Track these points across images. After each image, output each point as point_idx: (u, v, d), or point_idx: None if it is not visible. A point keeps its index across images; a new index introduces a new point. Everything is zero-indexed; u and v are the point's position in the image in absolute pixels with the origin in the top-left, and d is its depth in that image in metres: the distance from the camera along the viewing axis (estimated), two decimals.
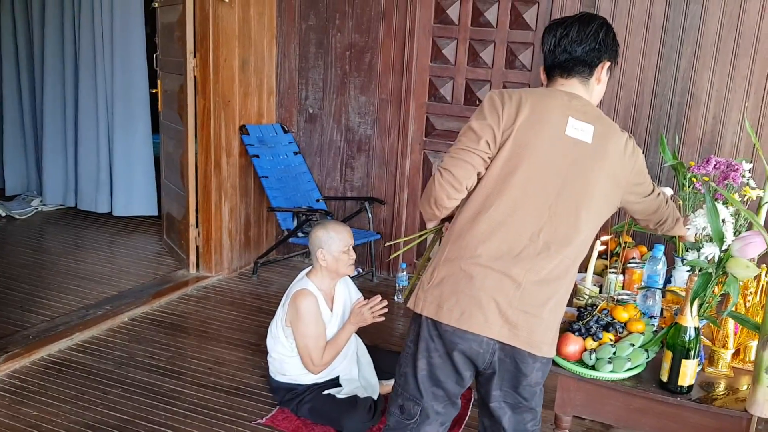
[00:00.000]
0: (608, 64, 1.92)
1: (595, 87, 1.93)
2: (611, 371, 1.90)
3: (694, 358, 1.82)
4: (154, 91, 5.33)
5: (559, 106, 1.83)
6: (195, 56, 4.36)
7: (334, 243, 2.90)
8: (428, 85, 4.61)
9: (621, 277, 2.43)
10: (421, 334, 1.88)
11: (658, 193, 2.04)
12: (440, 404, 1.94)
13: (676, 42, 3.93)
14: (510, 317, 1.77)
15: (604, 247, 2.49)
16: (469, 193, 1.86)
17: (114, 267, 4.77)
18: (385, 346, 3.60)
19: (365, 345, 3.21)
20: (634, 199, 1.96)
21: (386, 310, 2.99)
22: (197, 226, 4.63)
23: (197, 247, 4.67)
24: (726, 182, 2.26)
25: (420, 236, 2.30)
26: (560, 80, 1.92)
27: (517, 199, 1.79)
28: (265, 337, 3.11)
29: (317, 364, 2.92)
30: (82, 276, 4.54)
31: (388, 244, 2.60)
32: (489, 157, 1.82)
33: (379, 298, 2.98)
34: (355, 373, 3.12)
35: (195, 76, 4.39)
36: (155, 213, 5.82)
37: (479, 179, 1.85)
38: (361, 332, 3.16)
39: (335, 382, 3.05)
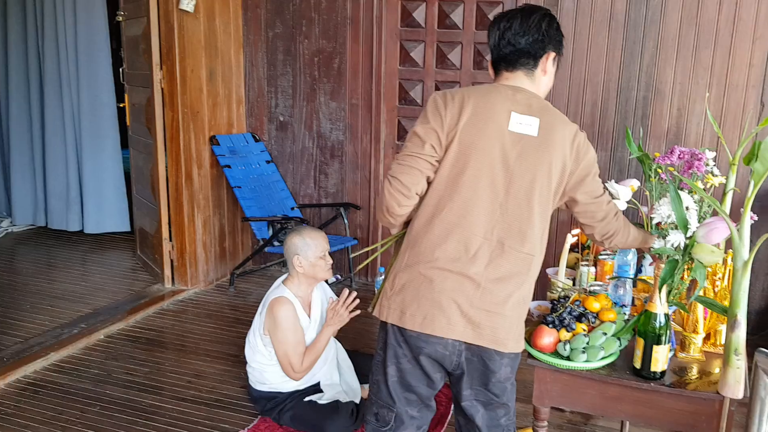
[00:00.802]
0: (553, 54, 1.92)
1: (541, 79, 1.92)
2: (586, 361, 1.92)
3: (665, 344, 1.85)
4: (121, 105, 5.29)
5: (501, 102, 1.82)
6: (161, 68, 4.34)
7: (310, 249, 2.90)
8: (398, 89, 4.63)
9: (593, 269, 2.46)
10: (388, 341, 1.89)
11: (609, 201, 1.99)
12: (414, 409, 1.95)
13: (639, 37, 3.99)
14: (472, 317, 1.78)
15: (574, 241, 2.52)
16: (422, 198, 1.86)
17: (88, 285, 4.72)
18: (365, 350, 3.60)
19: (345, 350, 3.20)
20: (584, 199, 1.91)
21: (358, 301, 2.98)
22: (171, 240, 4.59)
23: (172, 261, 4.63)
24: (690, 171, 2.30)
25: (383, 244, 2.31)
26: (505, 74, 1.91)
27: (468, 200, 1.79)
28: (244, 347, 3.09)
29: (298, 371, 2.91)
30: (56, 295, 4.48)
31: (353, 255, 2.61)
32: (436, 161, 1.83)
33: (347, 292, 2.98)
34: (336, 378, 3.11)
35: (162, 89, 4.37)
36: (128, 228, 5.78)
37: (430, 183, 1.85)
38: (342, 337, 3.16)
39: (316, 388, 3.04)
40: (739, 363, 1.72)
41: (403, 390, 1.92)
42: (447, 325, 1.79)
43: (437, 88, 4.53)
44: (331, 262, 2.98)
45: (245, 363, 3.09)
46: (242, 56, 4.87)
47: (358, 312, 3.00)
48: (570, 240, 2.48)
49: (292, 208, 4.85)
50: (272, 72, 4.86)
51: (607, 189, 2.04)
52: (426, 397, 1.95)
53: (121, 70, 4.99)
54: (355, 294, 2.99)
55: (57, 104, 5.69)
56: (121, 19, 4.79)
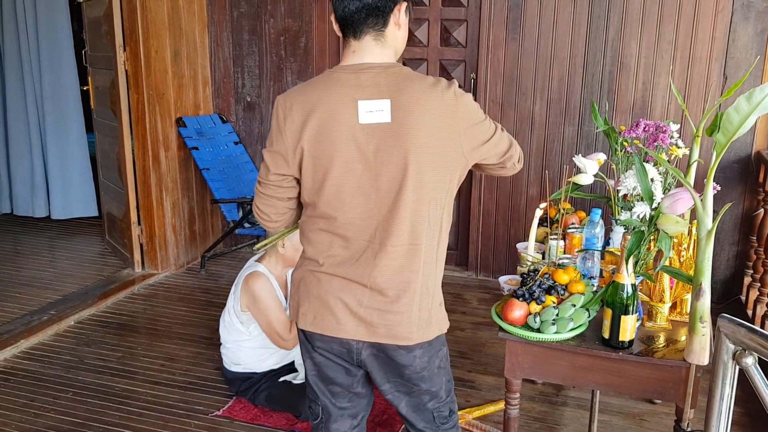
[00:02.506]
0: (405, 4, 1.69)
1: (396, 35, 1.70)
2: (555, 332, 1.95)
3: (632, 314, 1.88)
4: (85, 88, 5.19)
5: (345, 94, 1.62)
6: (125, 50, 4.26)
7: (297, 234, 2.88)
8: None
9: (562, 242, 2.49)
10: (300, 338, 1.86)
11: (499, 127, 1.79)
12: (343, 399, 1.88)
13: (604, 12, 4.02)
14: (363, 316, 1.70)
15: (542, 215, 2.54)
16: (303, 207, 1.80)
17: (56, 271, 4.65)
18: None
19: None
20: (479, 148, 1.72)
21: None
22: (139, 224, 4.54)
23: (141, 245, 4.59)
24: (655, 144, 2.33)
25: (281, 235, 2.34)
26: (352, 43, 1.67)
27: (339, 208, 1.67)
28: (217, 329, 3.08)
29: (287, 338, 2.89)
30: (24, 283, 4.42)
31: (256, 247, 2.59)
32: (290, 181, 1.72)
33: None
34: None
35: (126, 70, 4.29)
36: (95, 213, 5.70)
37: (300, 193, 1.74)
38: None
39: (291, 368, 3.05)
40: (705, 330, 1.76)
41: (325, 383, 1.85)
42: (336, 324, 1.71)
43: (404, 65, 4.51)
44: None
45: (219, 344, 3.08)
46: (207, 36, 4.80)
47: None
48: (539, 214, 2.50)
49: None
50: (238, 52, 4.80)
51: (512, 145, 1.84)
52: (349, 386, 1.86)
53: (83, 52, 4.89)
54: None
55: (19, 89, 5.57)
56: (82, 0, 4.68)
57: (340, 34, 1.70)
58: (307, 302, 1.75)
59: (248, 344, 2.96)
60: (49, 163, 5.65)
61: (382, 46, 1.68)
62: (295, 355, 3.06)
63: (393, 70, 1.66)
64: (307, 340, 1.82)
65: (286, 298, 2.99)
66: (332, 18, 1.70)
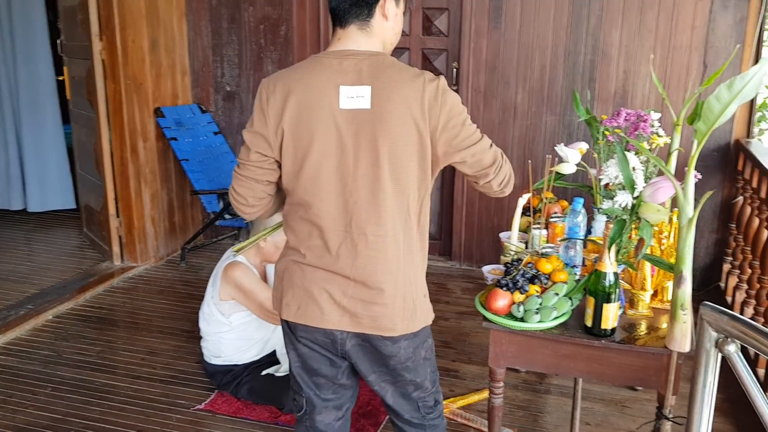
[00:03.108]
0: None
1: (383, 26, 1.68)
2: (539, 321, 1.95)
3: (614, 302, 1.89)
4: (60, 78, 5.11)
5: (328, 78, 1.61)
6: (101, 39, 4.19)
7: (282, 234, 2.85)
8: None
9: (545, 231, 2.49)
10: (284, 328, 1.85)
11: (491, 144, 1.75)
12: (327, 391, 1.87)
13: (585, 1, 4.01)
14: (347, 307, 1.69)
15: (525, 204, 2.54)
16: (282, 196, 1.80)
17: (33, 265, 4.59)
18: None
19: None
20: (454, 151, 1.67)
21: None
22: (118, 216, 4.48)
23: (120, 238, 4.53)
24: (637, 133, 2.34)
25: (261, 235, 2.34)
26: (339, 31, 1.68)
27: (316, 196, 1.65)
28: (198, 322, 3.06)
29: None
30: (0, 277, 4.35)
31: (234, 249, 2.55)
32: (271, 163, 1.70)
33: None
34: None
35: (103, 60, 4.23)
36: (73, 206, 5.63)
37: (280, 179, 1.74)
38: None
39: (273, 359, 3.03)
40: (686, 318, 1.77)
41: (309, 375, 1.84)
42: (320, 315, 1.71)
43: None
44: None
45: (200, 338, 3.05)
46: (185, 25, 4.73)
47: None
48: (521, 203, 2.50)
49: None
50: (217, 41, 4.74)
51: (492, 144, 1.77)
52: (333, 377, 1.85)
53: (58, 42, 4.80)
54: None
55: None
56: None
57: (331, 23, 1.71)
58: (290, 292, 1.74)
59: (228, 336, 2.93)
60: (25, 155, 5.56)
61: (368, 36, 1.67)
62: (275, 344, 3.04)
63: (376, 58, 1.65)
64: (290, 331, 1.81)
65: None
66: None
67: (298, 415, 1.92)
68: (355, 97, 1.59)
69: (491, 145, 1.75)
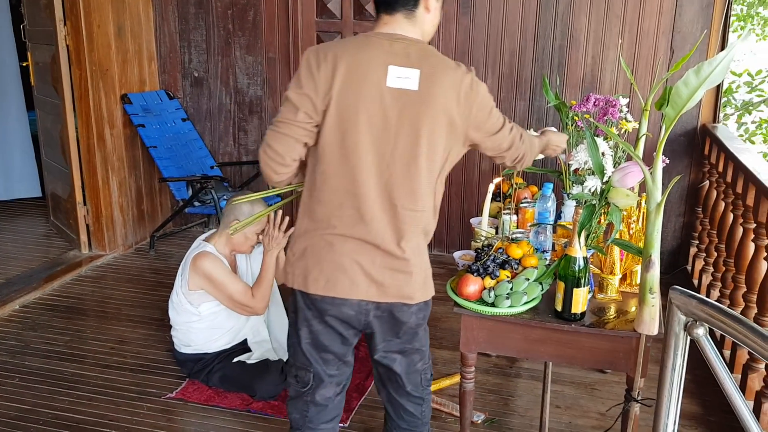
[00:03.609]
0: None
1: (425, 18, 1.80)
2: (510, 306, 1.97)
3: (584, 286, 1.91)
4: (24, 64, 4.98)
5: (377, 56, 1.72)
6: (65, 24, 4.10)
7: (253, 223, 2.83)
8: (316, 41, 4.53)
9: (515, 217, 2.50)
10: (297, 304, 1.88)
11: (511, 128, 1.92)
12: (333, 367, 1.94)
13: None
14: (375, 277, 1.78)
15: (495, 190, 2.55)
16: (311, 165, 1.81)
17: None
18: None
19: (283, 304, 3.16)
20: (480, 137, 1.84)
21: (288, 219, 2.85)
22: (85, 204, 4.41)
23: (87, 226, 4.45)
24: (606, 118, 2.36)
25: (255, 195, 2.33)
26: (384, 17, 1.79)
27: (355, 166, 1.74)
28: (168, 311, 3.02)
29: (254, 305, 2.85)
30: None
31: (230, 230, 2.53)
32: (314, 126, 1.76)
33: (272, 214, 2.82)
34: (264, 335, 3.08)
35: (67, 45, 4.13)
36: (39, 194, 5.52)
37: (314, 148, 1.79)
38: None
39: (245, 347, 3.01)
40: (654, 301, 1.80)
41: (318, 351, 1.90)
42: (350, 285, 1.78)
43: None
44: (258, 242, 2.93)
45: (170, 327, 3.02)
46: (151, 10, 4.65)
47: (292, 230, 2.93)
48: (492, 189, 2.51)
49: (212, 167, 4.73)
50: (184, 26, 4.66)
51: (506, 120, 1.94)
52: (341, 355, 1.93)
53: (22, 27, 4.68)
54: (281, 212, 2.91)
55: None
56: None
57: (375, 12, 1.83)
58: (317, 268, 1.79)
59: (198, 325, 2.91)
60: None
61: (412, 24, 1.79)
62: (246, 333, 3.02)
63: (422, 45, 1.78)
64: (310, 305, 1.85)
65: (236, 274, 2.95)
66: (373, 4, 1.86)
67: (301, 390, 1.96)
68: (403, 77, 1.71)
69: (511, 129, 1.92)
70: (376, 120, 1.72)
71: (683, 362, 1.21)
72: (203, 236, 2.99)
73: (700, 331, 1.15)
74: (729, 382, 1.14)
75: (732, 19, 4.80)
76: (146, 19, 4.60)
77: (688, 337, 1.18)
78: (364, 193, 1.75)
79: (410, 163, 1.74)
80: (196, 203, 4.39)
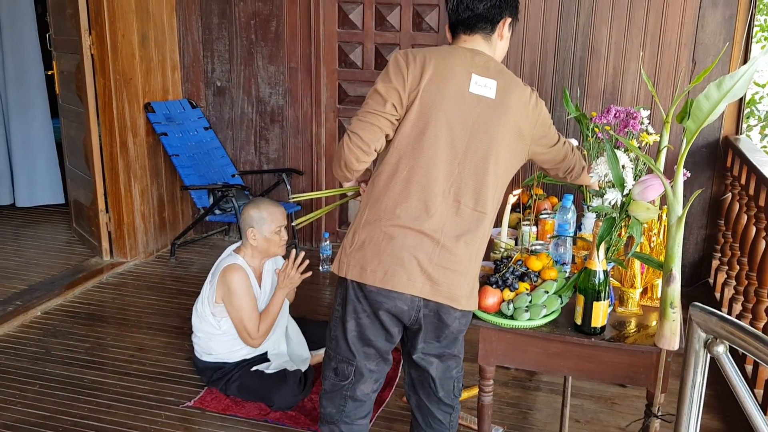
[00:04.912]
0: (509, 20, 1.97)
1: (498, 43, 1.97)
2: (529, 319, 1.95)
3: (604, 300, 1.89)
4: (49, 72, 5.07)
5: (461, 64, 1.86)
6: (90, 33, 4.16)
7: (265, 223, 2.85)
8: (338, 52, 4.56)
9: (534, 228, 2.49)
10: (348, 296, 1.91)
11: (564, 142, 2.09)
12: (373, 362, 1.99)
13: None
14: (431, 273, 1.83)
15: (516, 199, 2.54)
16: (383, 157, 1.89)
17: (22, 260, 4.56)
18: (312, 316, 3.59)
19: (294, 318, 3.18)
20: (540, 150, 2.01)
21: (308, 262, 2.95)
22: (107, 211, 4.46)
23: (109, 233, 4.50)
24: (626, 130, 2.34)
25: (314, 194, 2.39)
26: (464, 37, 1.95)
27: (428, 160, 1.83)
28: (188, 318, 3.04)
29: (255, 337, 2.88)
30: None
31: (296, 224, 2.57)
32: (397, 119, 1.85)
33: (295, 252, 2.95)
34: (283, 348, 3.10)
35: (92, 54, 4.20)
36: (62, 201, 5.60)
37: (390, 141, 1.88)
38: (289, 305, 3.14)
39: (263, 358, 3.02)
40: (675, 316, 1.78)
41: (362, 344, 1.95)
42: (407, 280, 1.83)
43: (377, 51, 4.48)
44: (286, 237, 2.94)
45: (191, 333, 3.04)
46: (175, 20, 4.71)
47: (309, 273, 2.97)
48: (511, 200, 2.50)
49: (233, 175, 4.77)
50: (207, 36, 4.71)
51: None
52: (384, 351, 1.98)
53: (47, 36, 4.76)
54: (303, 254, 2.95)
55: None
56: None
57: (449, 34, 2.00)
58: (377, 259, 1.84)
59: (219, 336, 2.93)
60: (13, 150, 5.52)
61: (488, 45, 1.95)
62: (268, 345, 3.03)
63: (497, 62, 1.94)
64: (362, 298, 1.89)
65: (260, 288, 2.96)
66: (446, 27, 2.02)
67: (340, 383, 2.00)
68: (483, 86, 1.85)
69: (564, 143, 2.09)
70: (455, 120, 1.83)
71: (703, 380, 1.20)
72: (233, 246, 3.00)
73: (721, 349, 1.14)
74: (749, 401, 1.12)
75: (755, 30, 4.75)
76: (170, 29, 4.66)
77: (708, 355, 1.17)
78: (432, 186, 1.83)
79: (479, 165, 1.85)
80: (217, 211, 4.42)
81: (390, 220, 1.84)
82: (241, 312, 2.84)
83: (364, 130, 1.84)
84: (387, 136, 1.87)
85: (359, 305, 1.90)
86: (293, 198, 2.52)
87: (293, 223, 2.91)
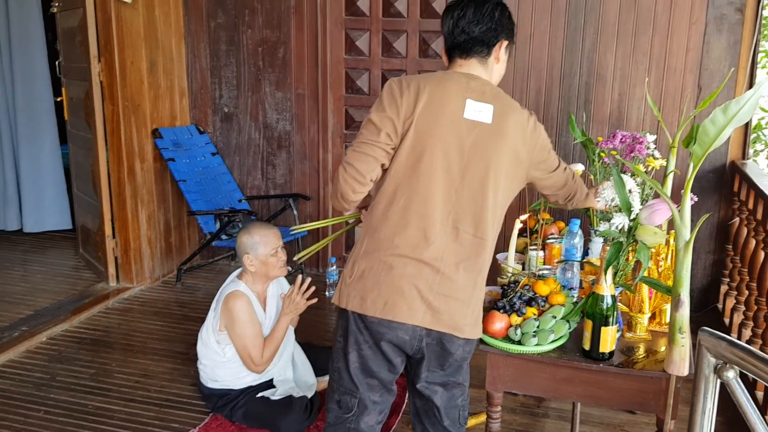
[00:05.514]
0: (506, 43, 1.95)
1: (494, 66, 1.96)
2: (537, 344, 1.94)
3: (612, 325, 1.88)
4: (59, 99, 5.12)
5: (456, 90, 1.84)
6: (99, 61, 4.20)
7: (259, 247, 2.84)
8: (344, 78, 4.59)
9: (541, 253, 2.48)
10: (349, 327, 1.90)
11: (564, 168, 2.06)
12: (376, 393, 1.96)
13: (580, 23, 4.05)
14: (432, 302, 1.82)
15: (522, 225, 2.54)
16: (380, 186, 1.89)
17: (28, 285, 4.56)
18: (318, 342, 3.57)
19: (298, 342, 3.17)
20: (540, 174, 1.99)
21: (314, 288, 2.94)
22: (114, 237, 4.47)
23: (116, 258, 4.51)
24: (632, 155, 2.35)
25: (313, 225, 2.37)
26: (459, 61, 1.93)
27: (425, 187, 1.82)
28: (194, 344, 3.03)
29: (258, 363, 2.86)
30: None
31: (299, 259, 2.58)
32: (392, 148, 1.84)
33: (301, 278, 2.93)
34: (289, 375, 3.07)
35: (101, 81, 4.24)
36: (69, 227, 5.61)
37: (386, 170, 1.87)
38: (295, 330, 3.12)
39: (269, 384, 3.00)
40: (684, 341, 1.76)
41: (365, 376, 1.93)
42: (408, 310, 1.81)
43: (384, 77, 4.52)
44: (284, 258, 2.93)
45: (196, 360, 3.03)
46: (184, 47, 4.76)
47: (314, 300, 2.96)
48: (518, 225, 2.50)
49: (240, 201, 4.78)
50: (215, 63, 4.76)
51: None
52: (388, 382, 1.97)
53: (57, 63, 4.82)
54: (309, 280, 2.94)
55: None
56: (55, 10, 4.62)
57: (445, 58, 1.98)
58: (376, 290, 1.83)
59: (224, 364, 2.91)
60: (21, 176, 5.55)
61: (484, 69, 1.94)
62: (275, 372, 3.01)
63: (493, 86, 1.93)
64: (363, 329, 1.87)
65: (265, 312, 2.95)
66: (442, 51, 2.00)
67: (344, 415, 1.97)
68: (479, 111, 1.83)
69: (564, 169, 2.06)
70: (451, 147, 1.82)
71: (713, 406, 1.18)
72: (235, 273, 3.00)
73: (731, 374, 1.13)
74: (761, 427, 1.11)
75: (761, 55, 4.77)
76: (178, 55, 4.72)
77: (718, 380, 1.15)
78: (430, 214, 1.82)
79: (477, 191, 1.83)
80: (224, 236, 4.43)
81: (389, 250, 1.83)
82: (245, 339, 2.83)
83: (359, 160, 1.83)
84: (383, 165, 1.86)
85: (361, 336, 1.89)
86: (293, 231, 2.52)
87: (294, 258, 2.88)
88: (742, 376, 1.17)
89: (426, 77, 1.88)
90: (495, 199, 1.86)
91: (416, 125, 1.81)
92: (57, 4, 4.57)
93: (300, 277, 2.94)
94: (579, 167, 2.43)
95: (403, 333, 1.84)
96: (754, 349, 1.09)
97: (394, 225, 1.83)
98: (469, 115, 1.83)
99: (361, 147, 1.84)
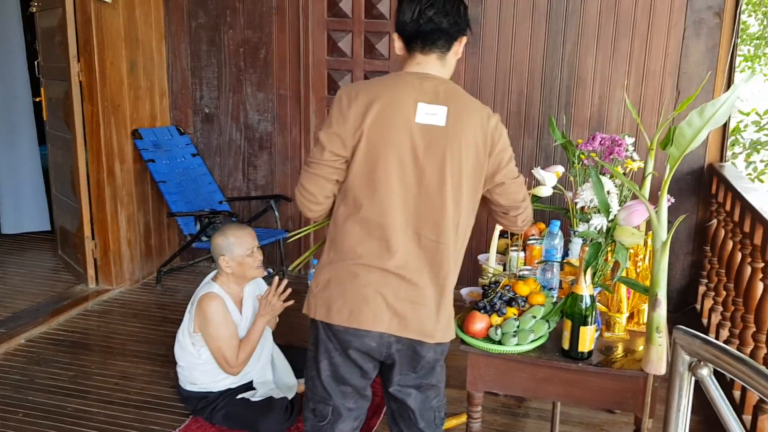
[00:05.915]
0: (465, 39, 1.90)
1: (452, 61, 1.90)
2: (517, 344, 1.95)
3: (591, 325, 1.90)
4: (37, 99, 5.07)
5: (408, 93, 1.80)
6: (79, 61, 4.17)
7: (235, 248, 2.83)
8: (327, 79, 4.59)
9: (522, 254, 2.50)
10: (319, 336, 1.90)
11: (523, 181, 1.98)
12: (350, 400, 1.96)
13: (561, 27, 4.08)
14: (398, 309, 1.81)
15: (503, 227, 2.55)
16: (340, 197, 1.88)
17: (6, 287, 4.51)
18: (299, 344, 3.56)
19: (278, 345, 3.16)
20: (500, 178, 1.88)
21: (290, 290, 2.94)
22: (93, 238, 4.43)
23: (95, 260, 4.47)
24: (611, 157, 2.37)
25: (308, 229, 2.37)
26: (419, 56, 1.85)
27: (383, 197, 1.80)
28: (173, 347, 3.01)
29: (233, 365, 2.85)
30: None
31: (289, 239, 2.59)
32: (342, 163, 1.83)
33: (277, 280, 2.93)
34: (269, 376, 3.06)
35: (80, 81, 4.20)
36: (48, 228, 5.56)
37: (343, 182, 1.85)
38: (275, 332, 3.11)
39: (249, 386, 2.99)
40: (661, 340, 1.78)
41: (338, 384, 1.92)
42: (373, 318, 1.80)
43: (366, 79, 4.52)
44: (260, 258, 2.92)
45: (175, 363, 3.01)
46: (164, 47, 4.73)
47: (291, 302, 2.95)
48: (499, 226, 2.51)
49: (220, 202, 4.76)
50: (196, 63, 4.74)
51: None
52: (361, 388, 1.96)
53: (36, 63, 4.77)
54: (286, 282, 2.93)
55: None
56: (34, 9, 4.57)
57: (402, 50, 1.88)
58: (341, 299, 1.82)
59: (202, 366, 2.89)
60: None
61: (442, 65, 1.87)
62: (254, 374, 3.00)
63: (450, 84, 1.87)
64: (332, 337, 1.87)
65: (241, 314, 2.94)
66: (395, 36, 1.88)
67: (318, 424, 1.97)
68: (431, 114, 1.79)
69: (522, 182, 1.97)
70: (404, 154, 1.78)
71: (688, 403, 1.20)
72: (211, 275, 2.98)
73: (705, 372, 1.14)
74: (734, 425, 1.13)
75: (739, 59, 4.83)
76: (159, 56, 4.69)
77: (693, 378, 1.17)
78: (390, 223, 1.80)
79: (435, 197, 1.79)
80: (204, 238, 4.40)
81: (353, 260, 1.82)
82: (219, 341, 2.81)
83: (309, 181, 1.86)
84: (336, 181, 1.85)
85: (330, 344, 1.88)
86: (290, 240, 2.52)
87: (289, 268, 2.87)
88: (720, 378, 1.19)
89: (377, 83, 1.85)
90: (457, 203, 1.81)
91: (367, 135, 1.78)
92: (36, 4, 4.52)
93: (276, 278, 2.93)
94: (560, 169, 2.45)
95: (369, 340, 1.83)
96: (727, 346, 1.10)
97: (355, 236, 1.82)
98: (420, 119, 1.78)
99: (311, 167, 1.85)
